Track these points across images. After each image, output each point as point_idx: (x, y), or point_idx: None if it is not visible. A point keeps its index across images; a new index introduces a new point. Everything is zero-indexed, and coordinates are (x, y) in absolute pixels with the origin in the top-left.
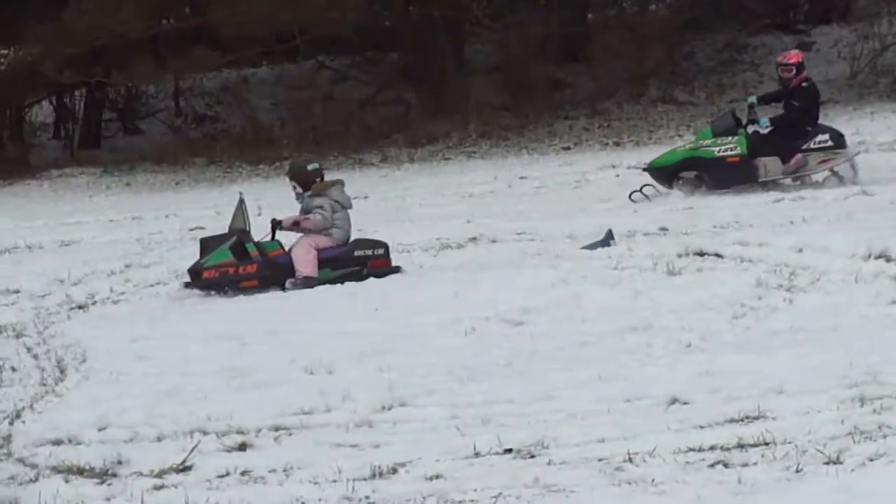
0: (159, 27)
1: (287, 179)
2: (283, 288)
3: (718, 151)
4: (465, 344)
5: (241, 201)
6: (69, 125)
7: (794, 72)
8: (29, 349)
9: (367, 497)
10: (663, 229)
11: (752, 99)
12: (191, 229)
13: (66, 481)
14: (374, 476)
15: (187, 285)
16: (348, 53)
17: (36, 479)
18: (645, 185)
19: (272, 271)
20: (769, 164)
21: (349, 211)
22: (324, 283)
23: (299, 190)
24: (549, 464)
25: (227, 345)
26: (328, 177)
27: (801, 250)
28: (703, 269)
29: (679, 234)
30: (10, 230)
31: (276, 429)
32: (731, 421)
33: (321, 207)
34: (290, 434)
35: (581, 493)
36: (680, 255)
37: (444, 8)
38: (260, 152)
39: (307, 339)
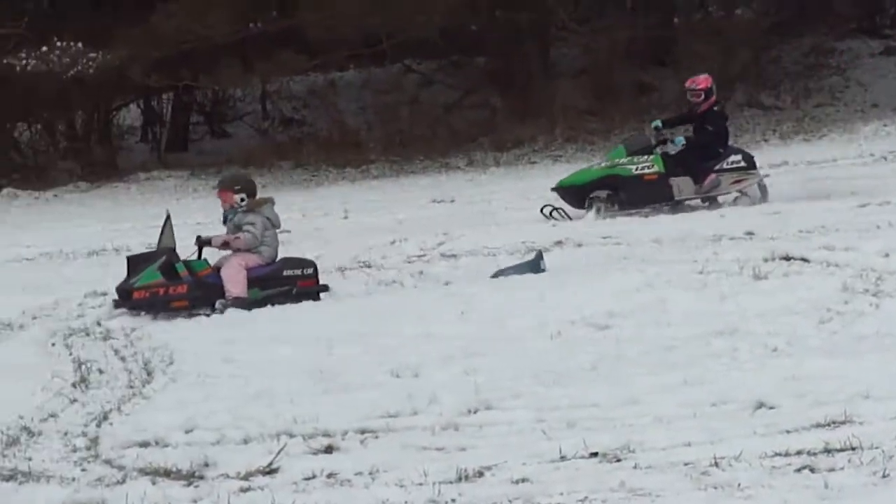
0: (247, 30)
1: (217, 192)
2: (212, 308)
3: (636, 169)
4: (551, 347)
5: (168, 219)
6: (157, 128)
7: (703, 97)
8: (116, 351)
9: (452, 500)
10: (749, 234)
11: (657, 122)
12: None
13: (153, 483)
14: (459, 479)
15: (116, 305)
16: (435, 57)
17: (123, 481)
18: (554, 208)
19: (202, 292)
20: (682, 184)
21: (277, 230)
22: (253, 304)
23: (238, 204)
24: (634, 468)
25: (315, 348)
26: None
27: (887, 255)
28: (790, 274)
29: (765, 238)
30: (98, 233)
31: (363, 431)
32: (818, 426)
33: (253, 224)
34: (377, 437)
35: (667, 498)
36: (766, 260)
37: (531, 12)
38: (346, 156)
39: (394, 342)
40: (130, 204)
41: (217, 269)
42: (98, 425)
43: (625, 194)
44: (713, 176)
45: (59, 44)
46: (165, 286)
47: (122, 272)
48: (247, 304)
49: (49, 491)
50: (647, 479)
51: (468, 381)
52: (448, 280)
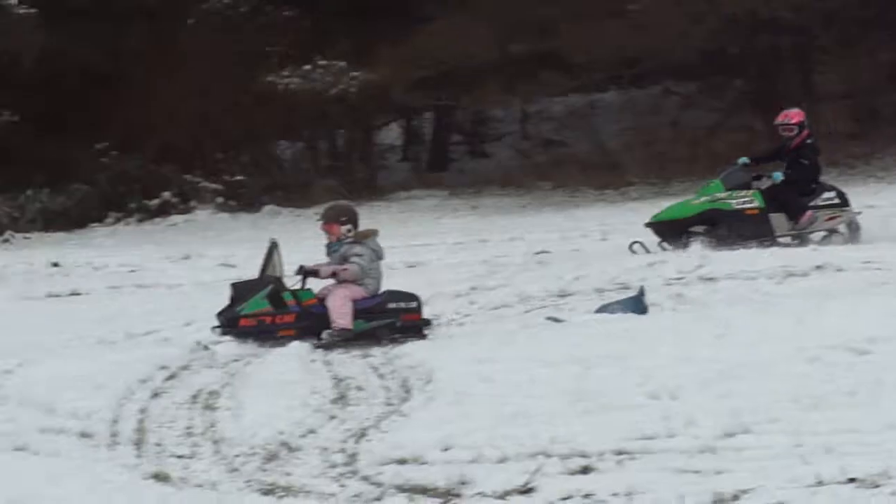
0: (508, 51)
1: (322, 225)
2: (318, 338)
3: (737, 204)
4: (809, 372)
5: (275, 246)
6: (417, 148)
7: (797, 131)
8: (375, 369)
9: None
10: None
11: (745, 159)
12: (536, 253)
13: (410, 500)
14: (715, 502)
15: (222, 332)
16: (694, 79)
17: (380, 498)
18: (635, 242)
19: (309, 321)
20: (776, 221)
21: (381, 261)
22: (358, 335)
23: (344, 235)
24: (892, 494)
25: (572, 368)
26: None
27: None
28: None
29: None
30: None
31: (619, 453)
32: None
33: (360, 256)
34: (633, 458)
35: None
36: None
37: (793, 35)
38: (605, 177)
39: (651, 364)
40: (390, 222)
41: (321, 299)
42: (356, 442)
43: (725, 229)
44: (810, 213)
45: (322, 62)
46: (273, 315)
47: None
48: (352, 335)
49: None
50: None
51: (725, 405)
52: (706, 303)
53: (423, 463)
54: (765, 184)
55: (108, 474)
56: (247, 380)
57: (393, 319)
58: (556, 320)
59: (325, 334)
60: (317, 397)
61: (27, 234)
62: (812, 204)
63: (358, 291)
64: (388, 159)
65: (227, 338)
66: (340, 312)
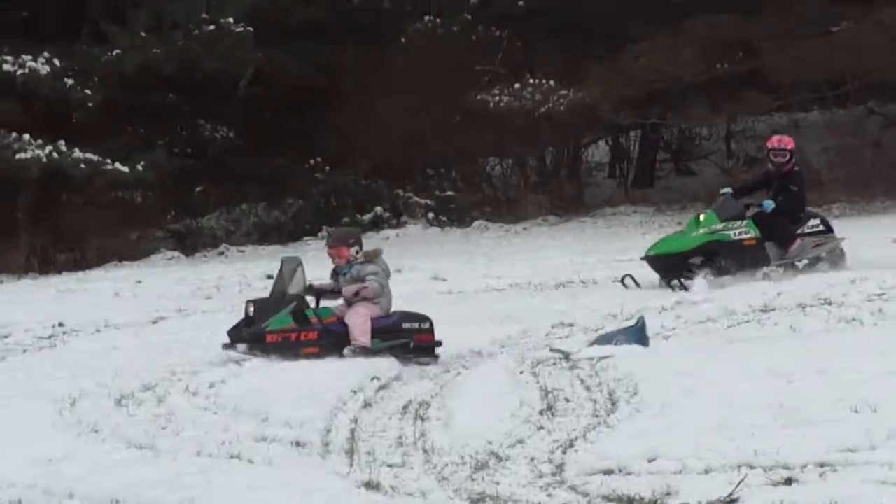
0: (714, 71)
1: (330, 249)
2: (341, 356)
3: (735, 235)
4: None
5: (298, 264)
6: (624, 165)
7: (789, 157)
8: (582, 381)
9: None
10: None
11: (728, 190)
12: None
13: None
14: None
15: (249, 347)
16: None
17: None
18: (626, 275)
19: (330, 339)
20: (770, 249)
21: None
22: (376, 354)
23: (354, 257)
24: None
25: (775, 382)
26: None
27: None
28: None
29: None
30: (565, 265)
31: (822, 465)
32: None
33: (375, 274)
34: (835, 471)
35: None
36: None
37: None
38: (808, 195)
39: (854, 378)
40: (596, 237)
41: (339, 318)
42: (564, 452)
43: (725, 260)
44: (799, 241)
45: (531, 81)
46: (298, 331)
47: (586, 304)
48: (370, 353)
49: None
50: None
51: None
52: None
53: (628, 473)
54: (751, 212)
55: (320, 483)
56: (456, 391)
57: (407, 340)
58: (563, 353)
59: (346, 351)
60: (525, 409)
61: (242, 248)
62: (799, 232)
63: (374, 310)
64: (596, 176)
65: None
66: (362, 330)
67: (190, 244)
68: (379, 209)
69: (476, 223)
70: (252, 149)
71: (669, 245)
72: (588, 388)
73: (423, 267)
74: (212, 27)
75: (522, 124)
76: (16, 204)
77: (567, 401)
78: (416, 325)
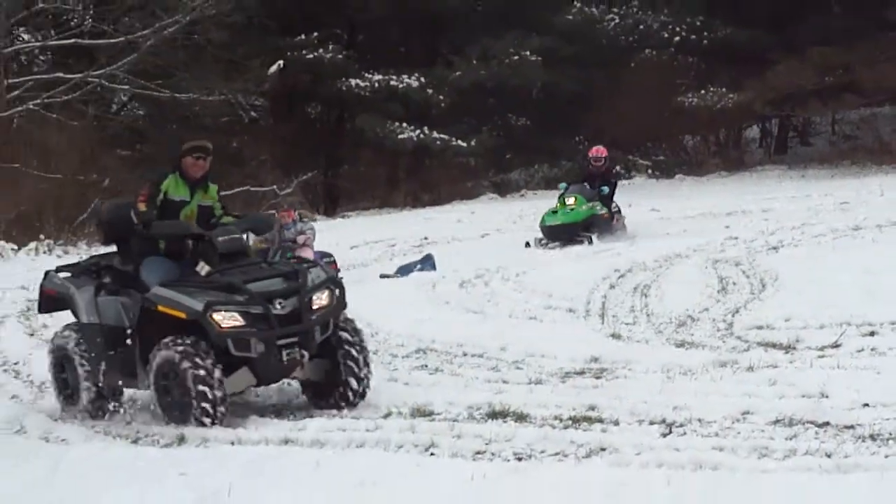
0: (824, 83)
1: (280, 212)
2: None
3: (598, 210)
4: None
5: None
6: (768, 140)
7: (605, 162)
8: (744, 272)
9: None
10: None
11: (564, 184)
12: (840, 203)
13: (765, 351)
14: None
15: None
16: None
17: (747, 350)
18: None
19: None
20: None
21: None
22: None
23: (297, 218)
24: None
25: (864, 276)
26: None
27: None
28: None
29: None
30: (732, 202)
31: (893, 323)
32: None
33: (312, 229)
34: None
35: None
36: None
37: None
38: (883, 158)
39: None
40: (751, 184)
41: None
42: (732, 316)
43: (597, 230)
44: (617, 217)
45: (711, 89)
46: None
47: (745, 225)
48: None
49: (702, 353)
50: None
51: None
52: None
53: (773, 328)
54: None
55: (583, 333)
56: (666, 278)
57: None
58: (386, 276)
59: None
60: (708, 289)
61: (535, 192)
62: (615, 211)
63: (309, 252)
64: (751, 147)
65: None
66: None
67: (503, 190)
68: (618, 167)
69: (677, 176)
70: (539, 131)
71: (567, 217)
72: (748, 276)
73: (644, 203)
74: (516, 57)
75: (706, 116)
76: (398, 165)
77: (734, 284)
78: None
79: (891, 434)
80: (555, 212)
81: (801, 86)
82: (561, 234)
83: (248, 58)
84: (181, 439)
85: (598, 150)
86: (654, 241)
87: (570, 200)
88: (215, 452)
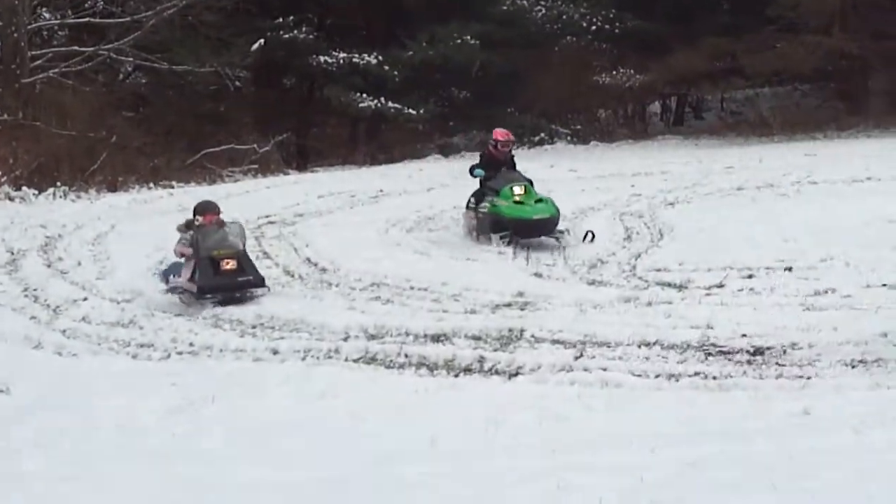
0: (714, 67)
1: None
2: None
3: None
4: None
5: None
6: (667, 114)
7: (510, 147)
8: (645, 224)
9: None
10: None
11: (481, 172)
12: (726, 167)
13: (662, 289)
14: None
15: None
16: (808, 83)
17: (647, 287)
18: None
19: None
20: None
21: None
22: None
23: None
24: None
25: (743, 227)
26: None
27: None
28: None
29: None
30: (636, 164)
31: (769, 268)
32: None
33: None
34: (776, 270)
35: None
36: None
37: None
38: (762, 131)
39: (786, 223)
40: (653, 151)
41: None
42: (635, 259)
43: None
44: None
45: (621, 70)
46: None
47: (648, 185)
48: None
49: (609, 290)
50: None
51: None
52: None
53: (668, 271)
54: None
55: (511, 271)
56: (582, 227)
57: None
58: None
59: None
60: (616, 237)
61: (472, 153)
62: None
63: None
64: (653, 119)
65: None
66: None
67: (446, 151)
68: (543, 134)
69: (592, 143)
70: (477, 102)
71: (547, 210)
72: (648, 227)
73: (564, 165)
74: (459, 41)
75: (616, 93)
76: (358, 129)
77: (637, 233)
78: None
79: (764, 359)
80: (519, 202)
81: (695, 70)
82: (545, 228)
83: (235, 36)
84: (171, 353)
85: (508, 134)
86: (571, 197)
87: (519, 190)
88: (201, 366)
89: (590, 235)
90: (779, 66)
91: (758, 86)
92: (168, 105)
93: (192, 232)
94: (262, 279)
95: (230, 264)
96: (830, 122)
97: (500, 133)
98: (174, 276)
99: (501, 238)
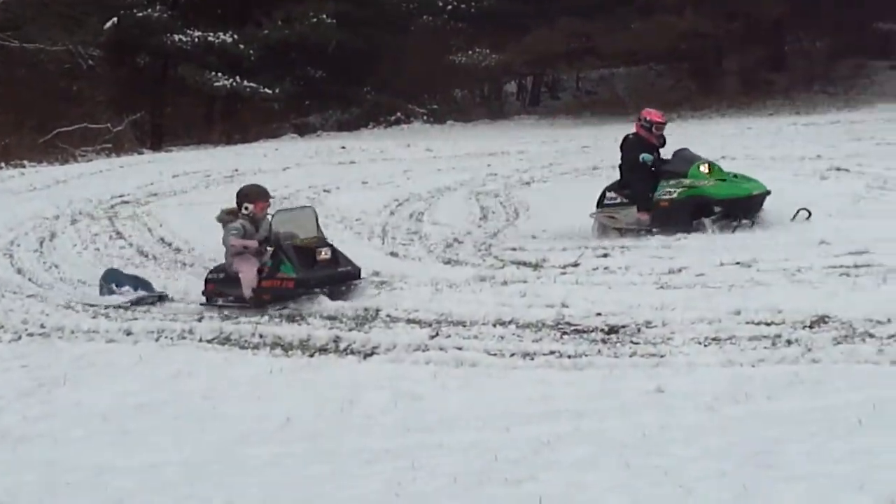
0: (570, 47)
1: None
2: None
3: None
4: None
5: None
6: (524, 94)
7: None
8: (501, 203)
9: None
10: None
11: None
12: (583, 147)
13: (518, 268)
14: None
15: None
16: (663, 63)
17: (503, 267)
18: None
19: None
20: None
21: None
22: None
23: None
24: None
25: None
26: None
27: None
28: None
29: None
30: (491, 143)
31: (623, 247)
32: None
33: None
34: (629, 249)
35: None
36: None
37: None
38: (617, 110)
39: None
40: (510, 130)
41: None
42: (491, 238)
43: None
44: None
45: (477, 50)
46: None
47: (504, 164)
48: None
49: (465, 269)
50: None
51: None
52: None
53: (524, 250)
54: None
55: (367, 251)
56: (438, 206)
57: None
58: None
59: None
60: (472, 216)
61: (328, 132)
62: None
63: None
64: (510, 99)
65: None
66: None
67: (302, 131)
68: (399, 114)
69: (448, 122)
70: (334, 81)
71: (760, 185)
72: (504, 206)
73: (420, 144)
74: (315, 19)
75: (473, 72)
76: (213, 108)
77: (493, 212)
78: None
79: (618, 337)
80: (722, 179)
81: (551, 49)
82: (759, 206)
83: (87, 14)
84: (21, 335)
85: (663, 116)
86: (427, 176)
87: (705, 169)
88: (52, 347)
89: (804, 213)
90: (633, 46)
91: (613, 66)
92: (19, 83)
93: (241, 221)
94: (360, 270)
95: (326, 254)
96: (685, 102)
97: (655, 114)
98: (115, 284)
99: (714, 222)
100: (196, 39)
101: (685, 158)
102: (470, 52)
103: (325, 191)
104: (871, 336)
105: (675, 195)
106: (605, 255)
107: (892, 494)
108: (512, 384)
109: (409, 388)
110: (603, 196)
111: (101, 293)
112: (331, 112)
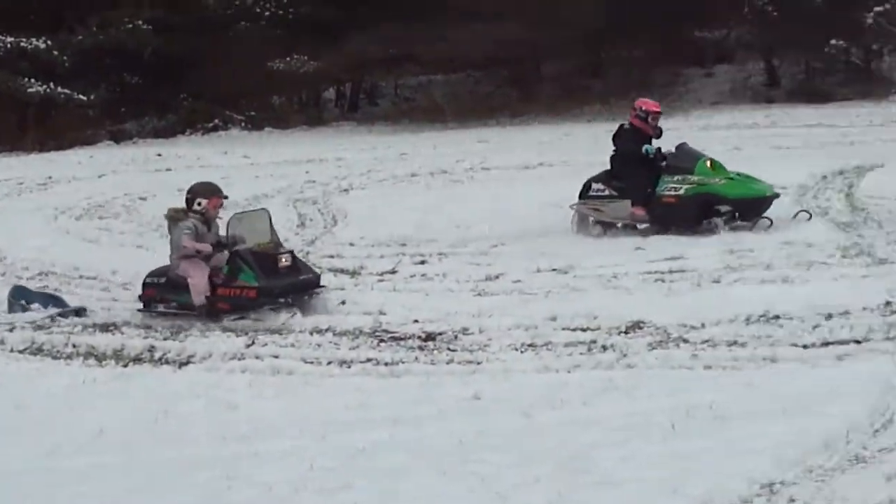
0: (387, 55)
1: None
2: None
3: None
4: None
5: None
6: (343, 100)
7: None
8: (319, 210)
9: None
10: None
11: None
12: (401, 154)
13: (335, 276)
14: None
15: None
16: (480, 70)
17: (323, 274)
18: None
19: None
20: None
21: None
22: None
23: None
24: None
25: (413, 214)
26: None
27: None
28: None
29: None
30: (315, 148)
31: (440, 252)
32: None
33: None
34: (454, 253)
35: None
36: None
37: None
38: (435, 116)
39: (462, 210)
40: (328, 136)
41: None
42: (309, 246)
43: None
44: None
45: (297, 57)
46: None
47: (322, 170)
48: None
49: None
50: None
51: None
52: None
53: (342, 257)
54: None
55: None
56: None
57: None
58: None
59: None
60: (290, 223)
61: (145, 140)
62: None
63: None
64: (329, 105)
65: None
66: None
67: (118, 137)
68: (217, 120)
69: (266, 129)
70: (150, 88)
71: (770, 188)
72: (322, 214)
73: (238, 151)
74: (130, 26)
75: (290, 79)
76: (27, 114)
77: (311, 220)
78: None
79: (436, 344)
80: (731, 178)
81: (369, 56)
82: (768, 208)
83: None
84: None
85: (658, 105)
86: (245, 184)
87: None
88: None
89: (805, 215)
90: (451, 53)
91: (431, 73)
92: None
93: (193, 220)
94: (320, 277)
95: (287, 260)
96: (504, 109)
97: (651, 104)
98: (25, 301)
99: (725, 222)
100: (8, 45)
101: (689, 153)
102: (288, 59)
103: (140, 199)
104: (685, 341)
105: (681, 191)
106: (423, 262)
107: (704, 498)
108: (328, 392)
109: (225, 397)
110: (587, 187)
111: (12, 310)
112: (147, 119)
